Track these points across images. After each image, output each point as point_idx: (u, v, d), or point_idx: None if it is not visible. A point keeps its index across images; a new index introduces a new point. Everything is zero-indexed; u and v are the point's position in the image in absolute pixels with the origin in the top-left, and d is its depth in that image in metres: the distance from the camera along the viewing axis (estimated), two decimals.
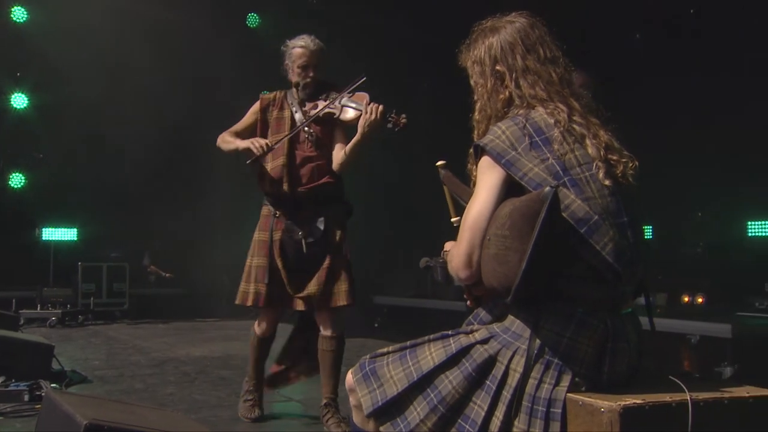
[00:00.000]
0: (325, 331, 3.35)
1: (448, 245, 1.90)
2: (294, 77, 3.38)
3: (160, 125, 7.97)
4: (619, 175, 1.68)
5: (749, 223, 6.54)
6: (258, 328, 3.56)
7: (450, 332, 1.74)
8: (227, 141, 3.46)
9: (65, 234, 8.44)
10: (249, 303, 3.38)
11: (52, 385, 3.87)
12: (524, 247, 1.49)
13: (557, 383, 1.56)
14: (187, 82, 7.94)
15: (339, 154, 3.32)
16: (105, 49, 7.68)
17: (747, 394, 1.58)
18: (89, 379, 4.58)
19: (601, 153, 1.67)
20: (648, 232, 6.41)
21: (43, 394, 3.27)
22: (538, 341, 1.58)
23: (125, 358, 5.57)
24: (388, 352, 1.78)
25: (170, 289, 8.91)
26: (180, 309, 8.63)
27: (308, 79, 3.35)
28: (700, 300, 5.83)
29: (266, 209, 3.45)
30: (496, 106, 1.81)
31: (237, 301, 3.44)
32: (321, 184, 3.32)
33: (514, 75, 1.77)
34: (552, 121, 1.69)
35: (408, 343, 1.78)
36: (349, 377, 1.81)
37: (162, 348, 6.19)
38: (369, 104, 3.14)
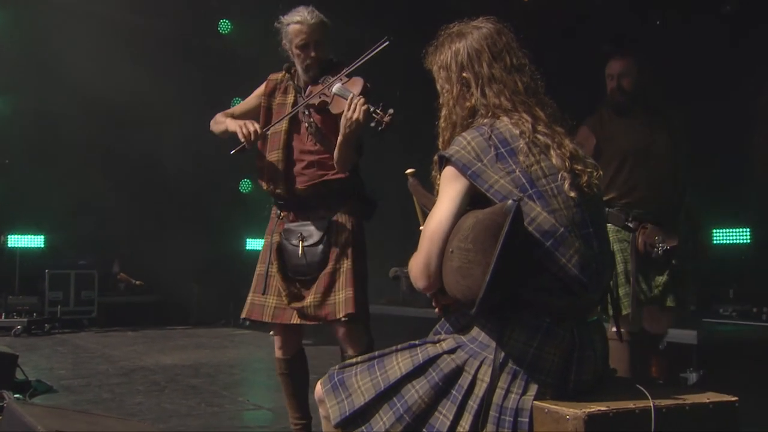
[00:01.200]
0: (346, 350, 2.85)
1: None
2: (294, 59, 2.92)
3: (127, 129, 7.89)
4: (584, 185, 1.68)
5: (714, 231, 6.67)
6: (276, 348, 3.05)
7: (417, 342, 1.74)
8: (218, 122, 3.04)
9: (32, 241, 8.29)
10: (243, 315, 2.98)
11: (15, 395, 3.79)
12: (487, 261, 1.49)
13: (524, 392, 1.57)
14: (156, 87, 7.86)
15: None
16: (71, 54, 7.57)
17: (707, 400, 1.61)
18: (55, 389, 4.50)
19: (566, 163, 1.68)
20: None
21: (4, 405, 3.20)
22: (505, 351, 1.59)
23: (93, 367, 5.48)
24: (357, 363, 1.79)
25: (140, 297, 8.84)
26: (150, 317, 8.57)
27: (309, 60, 2.86)
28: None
29: (273, 210, 3.04)
30: (462, 114, 1.80)
31: (242, 314, 3.02)
32: (325, 180, 2.87)
33: (480, 83, 1.77)
34: (517, 131, 1.69)
35: (376, 353, 1.79)
36: (318, 388, 1.81)
37: (131, 356, 6.12)
38: (353, 98, 2.63)
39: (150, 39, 7.83)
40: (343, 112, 2.67)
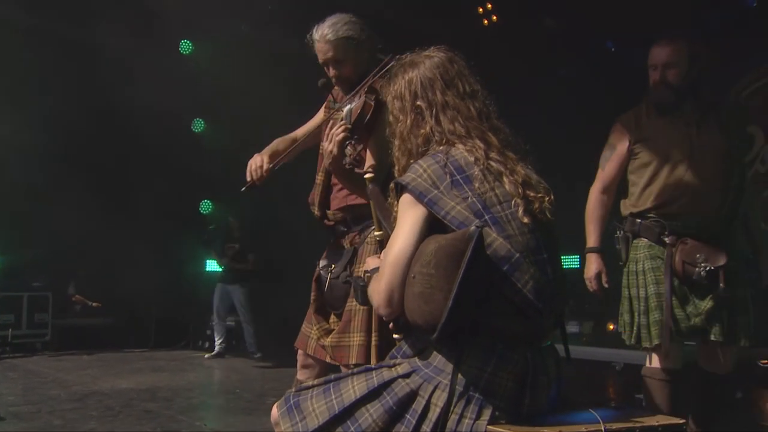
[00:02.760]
0: None
1: (370, 261, 1.92)
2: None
3: (85, 151, 7.78)
4: (537, 210, 1.71)
5: None
6: (298, 367, 2.82)
7: (373, 366, 1.76)
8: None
9: None
10: (295, 344, 2.75)
11: None
12: (449, 286, 1.51)
13: (478, 417, 1.58)
14: (115, 107, 7.79)
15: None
16: (28, 74, 7.46)
17: (657, 423, 1.65)
18: (2, 417, 4.36)
19: (519, 190, 1.71)
20: (575, 261, 6.62)
21: None
22: (459, 376, 1.60)
23: (44, 393, 5.32)
24: (313, 386, 1.79)
25: (97, 319, 8.64)
26: (107, 339, 8.37)
27: (333, 79, 2.66)
28: (611, 327, 6.03)
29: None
30: (417, 142, 1.82)
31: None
32: (351, 205, 2.63)
33: (434, 110, 1.80)
34: (472, 159, 1.72)
35: (332, 376, 1.80)
36: (274, 411, 1.81)
37: (85, 381, 5.97)
38: (330, 125, 2.44)
39: (105, 57, 7.75)
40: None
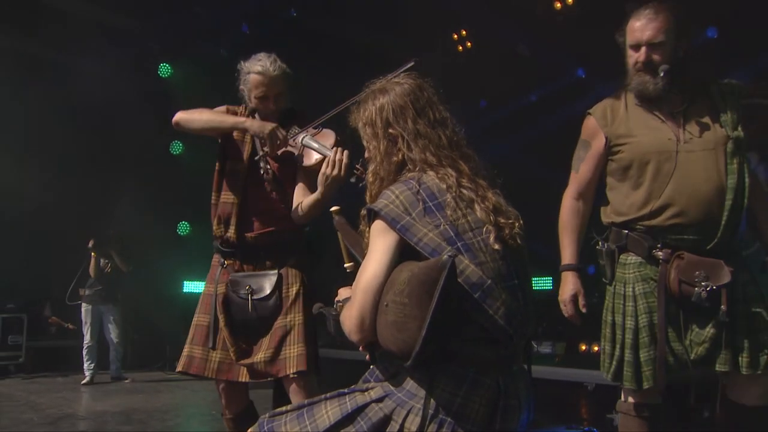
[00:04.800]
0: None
1: (342, 292, 1.92)
2: (252, 105, 2.82)
3: (63, 172, 7.75)
4: (508, 237, 1.73)
5: None
6: (223, 406, 2.88)
7: (346, 390, 1.76)
8: (199, 114, 2.83)
9: None
10: (179, 368, 2.77)
11: None
12: (423, 315, 1.53)
13: None
14: (94, 130, 7.80)
15: (298, 200, 2.73)
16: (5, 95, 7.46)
17: None
18: None
19: (490, 217, 1.73)
20: (548, 283, 6.73)
21: None
22: (432, 401, 1.62)
23: (16, 416, 5.24)
24: (287, 411, 1.79)
25: (72, 341, 8.51)
26: (83, 361, 8.26)
27: (268, 112, 2.80)
28: (596, 348, 6.14)
29: (215, 257, 2.88)
30: (389, 168, 1.84)
31: (177, 368, 2.81)
32: (277, 231, 2.78)
33: (406, 139, 1.82)
34: (444, 186, 1.74)
35: (306, 401, 1.80)
36: None
37: (59, 403, 5.89)
38: (333, 152, 2.53)
39: (84, 79, 7.77)
40: (313, 165, 2.63)
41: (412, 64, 2.35)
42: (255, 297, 2.71)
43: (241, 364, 2.70)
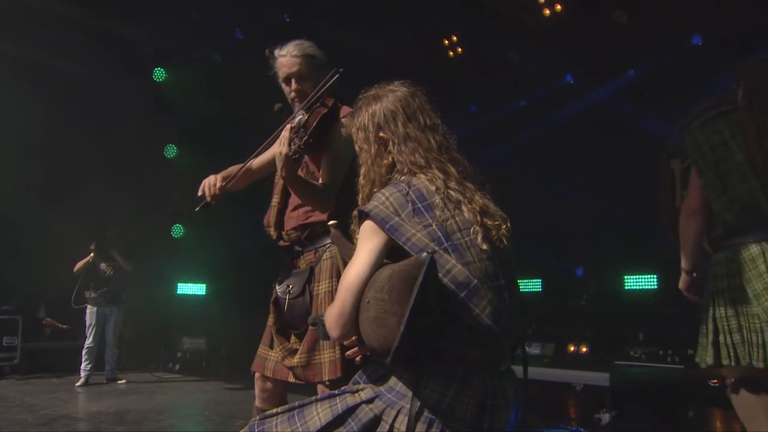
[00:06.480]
0: None
1: None
2: (285, 91, 2.78)
3: (57, 175, 7.78)
4: (495, 238, 1.78)
5: (626, 277, 7.10)
6: (257, 395, 2.81)
7: (336, 392, 1.78)
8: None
9: None
10: (252, 368, 2.75)
11: None
12: (403, 311, 1.56)
13: None
14: (89, 132, 7.84)
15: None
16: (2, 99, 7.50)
17: None
18: None
19: (478, 218, 1.77)
20: (538, 285, 6.84)
21: None
22: (420, 401, 1.65)
23: (10, 418, 5.26)
24: (278, 413, 1.81)
25: (67, 342, 8.55)
26: (77, 362, 8.30)
27: (293, 94, 2.72)
28: (584, 349, 6.22)
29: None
30: (380, 171, 1.90)
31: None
32: (304, 224, 2.68)
33: (396, 142, 1.88)
34: (433, 188, 1.79)
35: (296, 403, 1.81)
36: None
37: (53, 404, 5.91)
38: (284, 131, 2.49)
39: (78, 84, 7.82)
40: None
41: (337, 76, 2.50)
42: (291, 296, 2.65)
43: (284, 365, 2.62)
